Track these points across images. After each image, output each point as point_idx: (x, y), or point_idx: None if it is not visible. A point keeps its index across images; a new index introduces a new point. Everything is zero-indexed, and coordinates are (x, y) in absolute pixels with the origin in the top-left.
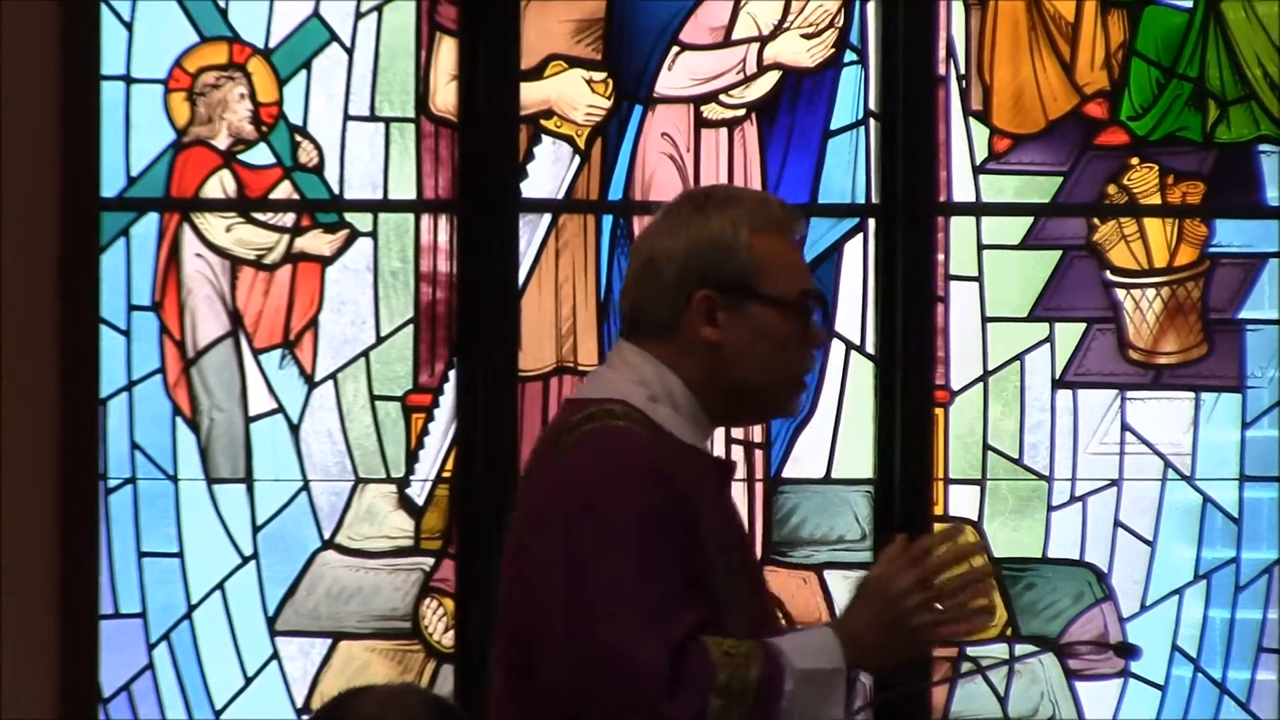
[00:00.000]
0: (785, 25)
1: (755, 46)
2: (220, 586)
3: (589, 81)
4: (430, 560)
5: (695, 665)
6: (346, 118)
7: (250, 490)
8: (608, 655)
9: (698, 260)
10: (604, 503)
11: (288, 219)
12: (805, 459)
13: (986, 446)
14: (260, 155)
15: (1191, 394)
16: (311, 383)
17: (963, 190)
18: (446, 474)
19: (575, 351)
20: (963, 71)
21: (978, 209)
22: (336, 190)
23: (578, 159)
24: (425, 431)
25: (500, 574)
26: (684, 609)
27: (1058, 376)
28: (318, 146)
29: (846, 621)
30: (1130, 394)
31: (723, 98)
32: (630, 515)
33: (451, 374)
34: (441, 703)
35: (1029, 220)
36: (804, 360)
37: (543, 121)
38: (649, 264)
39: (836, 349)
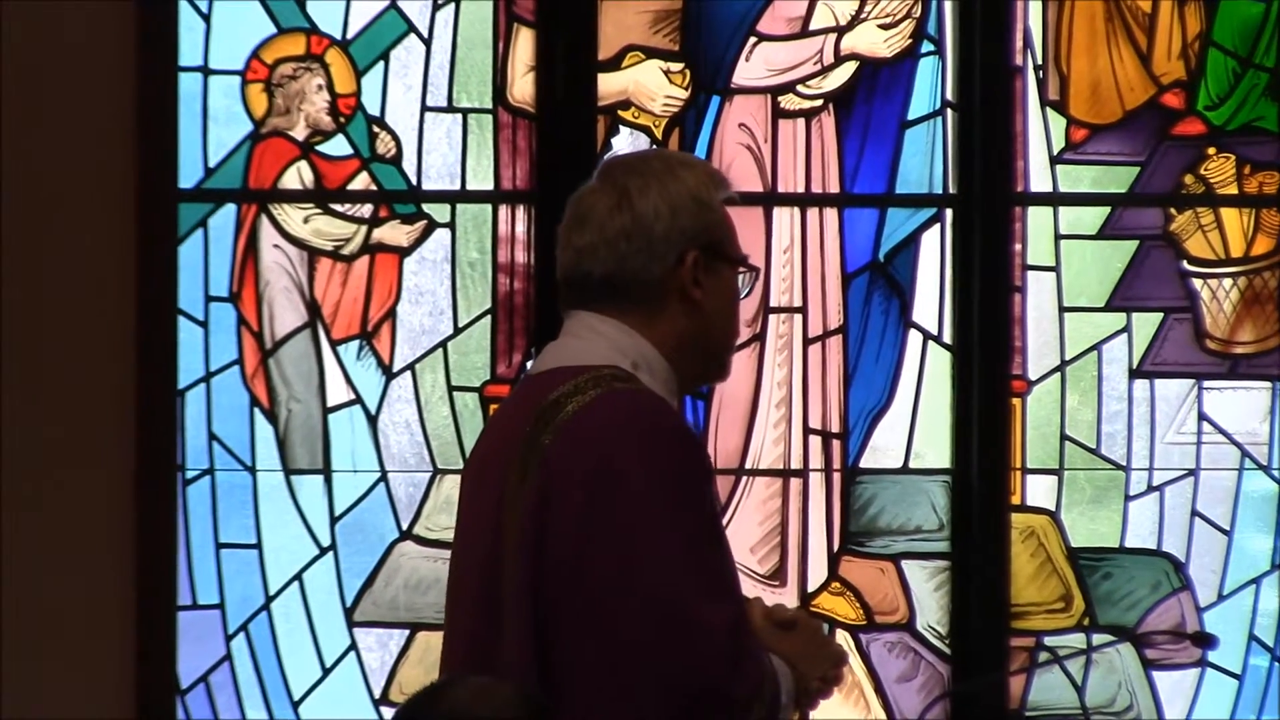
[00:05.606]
0: (862, 16)
1: (832, 37)
2: (298, 577)
3: (666, 72)
4: None
5: (753, 647)
6: (424, 109)
7: (328, 481)
8: (678, 617)
9: (683, 217)
10: (646, 461)
11: (365, 210)
12: (883, 449)
13: (1064, 436)
14: (338, 146)
15: (1268, 383)
16: (389, 373)
17: (1040, 180)
18: None
19: None
20: (1039, 62)
21: (1055, 199)
22: (414, 181)
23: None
24: None
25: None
26: (733, 581)
27: (1135, 366)
28: (395, 137)
29: (796, 667)
30: (1207, 383)
31: (800, 88)
32: (674, 473)
33: (529, 365)
34: (533, 698)
35: (1106, 210)
36: (739, 324)
37: (620, 112)
38: (636, 226)
39: (914, 339)
